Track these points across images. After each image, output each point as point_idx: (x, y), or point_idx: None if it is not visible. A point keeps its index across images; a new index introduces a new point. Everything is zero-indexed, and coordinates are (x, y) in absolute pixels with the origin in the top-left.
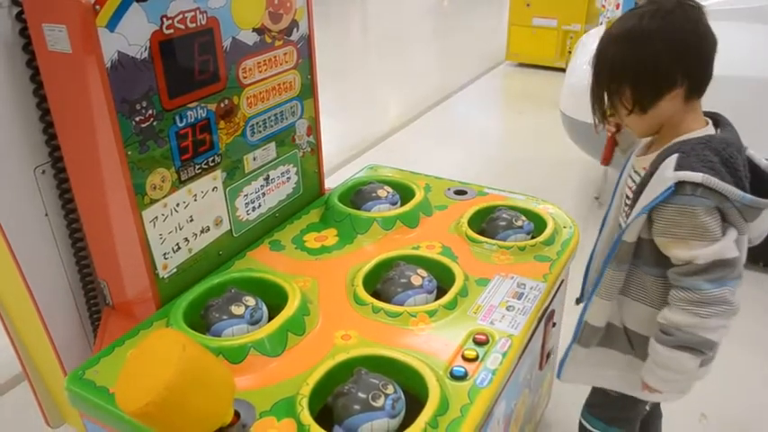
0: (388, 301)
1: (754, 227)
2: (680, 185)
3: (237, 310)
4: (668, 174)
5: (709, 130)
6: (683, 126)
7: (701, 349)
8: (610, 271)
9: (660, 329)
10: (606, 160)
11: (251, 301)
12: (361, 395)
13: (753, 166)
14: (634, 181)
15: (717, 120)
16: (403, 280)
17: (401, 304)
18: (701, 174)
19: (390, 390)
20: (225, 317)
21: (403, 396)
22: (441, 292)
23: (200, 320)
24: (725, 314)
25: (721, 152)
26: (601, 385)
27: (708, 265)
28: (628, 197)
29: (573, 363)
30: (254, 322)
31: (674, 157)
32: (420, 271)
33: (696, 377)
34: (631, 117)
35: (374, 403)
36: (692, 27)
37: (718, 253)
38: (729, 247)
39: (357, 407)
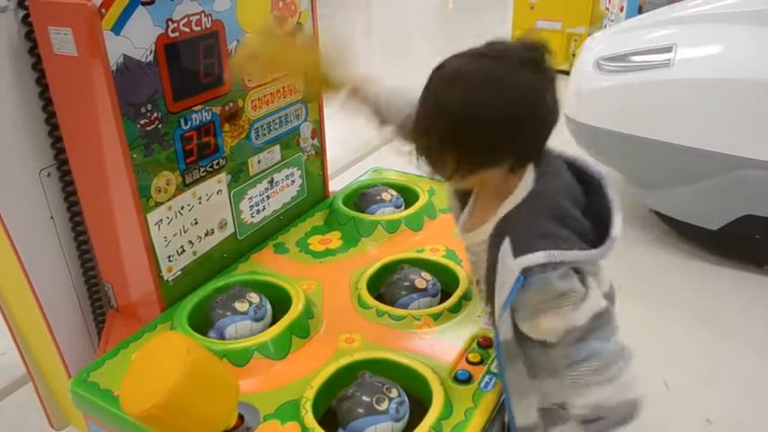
0: (392, 304)
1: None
2: (527, 270)
3: (241, 306)
4: (510, 264)
5: (527, 180)
6: (503, 189)
7: (633, 415)
8: (509, 373)
9: (585, 421)
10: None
11: (255, 297)
12: (366, 398)
13: (581, 175)
14: (476, 265)
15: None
16: (407, 283)
17: (405, 307)
18: (541, 253)
19: (394, 393)
20: (229, 313)
21: (407, 399)
22: (445, 295)
23: (204, 318)
24: (629, 363)
25: (549, 209)
26: None
27: (589, 322)
28: (478, 282)
29: None
30: (258, 319)
31: (507, 243)
32: (424, 274)
33: None
34: (449, 178)
35: (378, 407)
36: (535, 97)
37: (591, 308)
38: (597, 296)
39: (361, 410)
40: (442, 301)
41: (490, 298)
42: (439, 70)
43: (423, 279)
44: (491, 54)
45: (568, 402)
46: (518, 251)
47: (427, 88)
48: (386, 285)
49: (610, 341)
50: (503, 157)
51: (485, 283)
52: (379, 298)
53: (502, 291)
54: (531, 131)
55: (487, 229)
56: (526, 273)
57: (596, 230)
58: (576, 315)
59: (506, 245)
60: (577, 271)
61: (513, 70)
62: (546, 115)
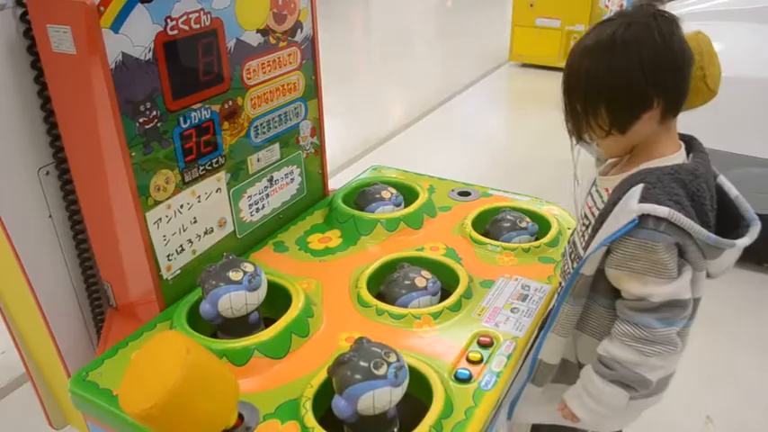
0: (392, 302)
1: (714, 264)
2: (643, 219)
3: (235, 275)
4: (632, 205)
5: (680, 156)
6: (655, 149)
7: (635, 387)
8: (566, 306)
9: (600, 361)
10: None
11: (249, 267)
12: (363, 363)
13: (721, 195)
14: (594, 201)
15: (690, 144)
16: (407, 282)
17: (405, 306)
18: (666, 208)
19: (393, 358)
20: (222, 283)
21: (406, 365)
22: (445, 293)
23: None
24: (667, 354)
25: (688, 185)
26: (553, 422)
27: (661, 304)
28: (587, 218)
29: (525, 403)
30: (253, 289)
31: (639, 187)
32: (424, 273)
33: (619, 413)
34: (607, 139)
35: (376, 371)
36: (668, 41)
37: (673, 293)
38: (684, 287)
39: (358, 375)
40: (441, 300)
41: (594, 231)
42: (576, 45)
43: (423, 278)
44: (617, 16)
45: (602, 344)
46: (645, 198)
47: (569, 61)
48: (386, 284)
49: (669, 327)
50: (649, 101)
51: (595, 219)
52: (379, 297)
53: (609, 227)
54: (670, 68)
55: (625, 175)
56: (642, 219)
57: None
58: (656, 290)
59: (636, 189)
60: (681, 254)
61: (645, 20)
62: (679, 52)
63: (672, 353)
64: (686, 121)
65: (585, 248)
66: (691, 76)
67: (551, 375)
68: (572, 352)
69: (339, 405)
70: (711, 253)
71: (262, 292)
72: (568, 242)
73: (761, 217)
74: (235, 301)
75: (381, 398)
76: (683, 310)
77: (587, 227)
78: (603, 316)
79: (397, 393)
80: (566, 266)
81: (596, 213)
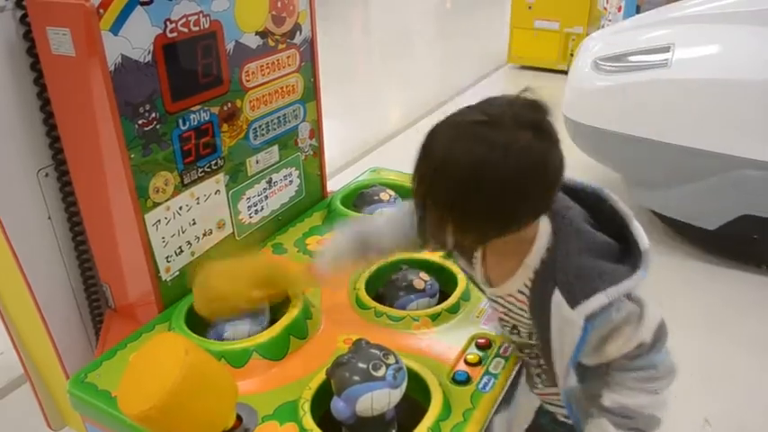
0: (390, 304)
1: None
2: (590, 317)
3: (379, 371)
4: (568, 315)
5: (544, 230)
6: (524, 239)
7: (651, 429)
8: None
9: (612, 413)
10: None
11: (391, 359)
12: (362, 365)
13: (570, 189)
14: (508, 308)
15: None
16: (405, 284)
17: (403, 308)
18: (601, 295)
19: (392, 360)
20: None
21: (404, 366)
22: (443, 295)
23: (203, 319)
24: (670, 383)
25: (581, 245)
26: None
27: (654, 335)
28: (505, 321)
29: None
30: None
31: (558, 294)
32: (422, 275)
33: None
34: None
35: (375, 373)
36: (546, 163)
37: (652, 321)
38: (653, 308)
39: (357, 377)
40: (440, 302)
41: (546, 354)
42: (432, 144)
43: (421, 279)
44: (488, 120)
45: (602, 394)
46: (574, 300)
47: (424, 164)
48: (384, 286)
49: (666, 354)
50: (516, 222)
51: (538, 340)
52: (378, 298)
53: (563, 344)
54: (541, 193)
55: (518, 281)
56: (589, 319)
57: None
58: (642, 333)
59: (558, 297)
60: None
61: (513, 136)
62: (553, 177)
63: (672, 379)
64: (687, 123)
65: (531, 339)
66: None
67: None
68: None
69: (338, 406)
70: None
71: (265, 323)
72: (506, 326)
73: (760, 219)
74: (239, 333)
75: (380, 399)
76: (666, 329)
77: (514, 327)
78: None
79: (396, 395)
80: (514, 339)
81: (515, 317)
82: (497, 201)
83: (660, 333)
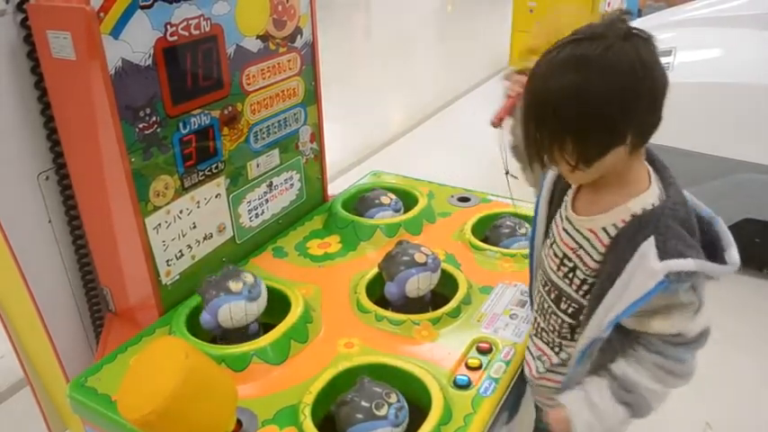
0: (390, 279)
1: None
2: (672, 275)
3: (235, 286)
4: (653, 265)
5: (655, 185)
6: (632, 182)
7: (639, 413)
8: (578, 369)
9: (617, 380)
10: (498, 121)
11: (249, 277)
12: (365, 404)
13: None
14: (579, 243)
15: (652, 161)
16: (406, 258)
17: (404, 282)
18: (691, 260)
19: (393, 399)
20: (222, 293)
21: (406, 405)
22: (444, 300)
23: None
24: (681, 385)
25: (685, 222)
26: None
27: (697, 335)
28: (569, 259)
29: None
30: (253, 299)
31: (651, 242)
32: (424, 249)
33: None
34: (574, 172)
35: (377, 412)
36: (647, 68)
37: (703, 322)
38: (708, 315)
39: (360, 416)
40: (440, 304)
41: (591, 307)
42: (541, 63)
43: (422, 253)
44: (589, 36)
45: (616, 360)
46: (665, 253)
47: (532, 82)
48: (385, 260)
49: (695, 358)
50: (622, 136)
51: (589, 273)
52: (377, 279)
53: (622, 297)
54: (647, 98)
55: (613, 218)
56: (669, 277)
57: None
58: (689, 325)
59: (647, 246)
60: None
61: (620, 42)
62: (656, 79)
63: (684, 384)
64: (688, 127)
65: (578, 292)
66: (663, 104)
67: None
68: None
69: None
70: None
71: (261, 302)
72: (543, 280)
73: (762, 222)
74: (234, 311)
75: None
76: (706, 337)
77: (571, 270)
78: (612, 345)
79: None
80: (545, 306)
81: (582, 256)
82: (605, 105)
83: (701, 337)
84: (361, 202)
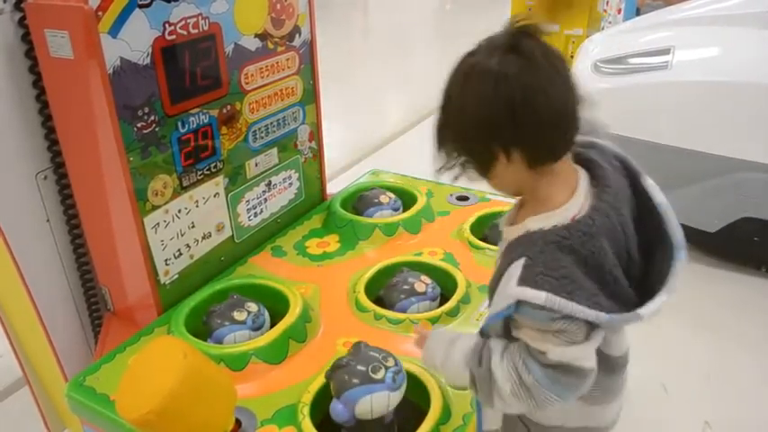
0: (390, 307)
1: (614, 340)
2: (521, 303)
3: (240, 316)
4: (511, 288)
5: (574, 204)
6: (541, 197)
7: (478, 394)
8: None
9: (480, 349)
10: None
11: (253, 307)
12: (361, 367)
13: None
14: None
15: (591, 169)
16: (406, 287)
17: (404, 311)
18: (543, 294)
19: (391, 362)
20: (227, 323)
21: (404, 370)
22: (443, 298)
23: (202, 327)
24: (535, 410)
25: (579, 249)
26: None
27: (560, 364)
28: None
29: None
30: (257, 328)
31: (520, 263)
32: (423, 278)
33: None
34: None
35: (374, 375)
36: (506, 81)
37: (570, 357)
38: (588, 355)
39: (356, 379)
40: (440, 305)
41: (490, 297)
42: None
43: (422, 282)
44: (475, 50)
45: (496, 342)
46: (524, 279)
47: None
48: (385, 289)
49: (559, 394)
50: (492, 152)
51: (490, 281)
52: (378, 301)
53: (496, 302)
54: (530, 117)
55: (515, 231)
56: (519, 305)
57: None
58: (551, 348)
59: (517, 266)
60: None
61: (483, 59)
62: (544, 99)
63: (529, 407)
64: (687, 126)
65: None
66: (566, 121)
67: None
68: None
69: (336, 409)
70: (610, 327)
71: (265, 331)
72: None
73: (760, 221)
74: (239, 340)
75: (379, 402)
76: (579, 380)
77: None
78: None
79: (395, 398)
80: None
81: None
82: (466, 119)
83: (565, 372)
84: (359, 201)
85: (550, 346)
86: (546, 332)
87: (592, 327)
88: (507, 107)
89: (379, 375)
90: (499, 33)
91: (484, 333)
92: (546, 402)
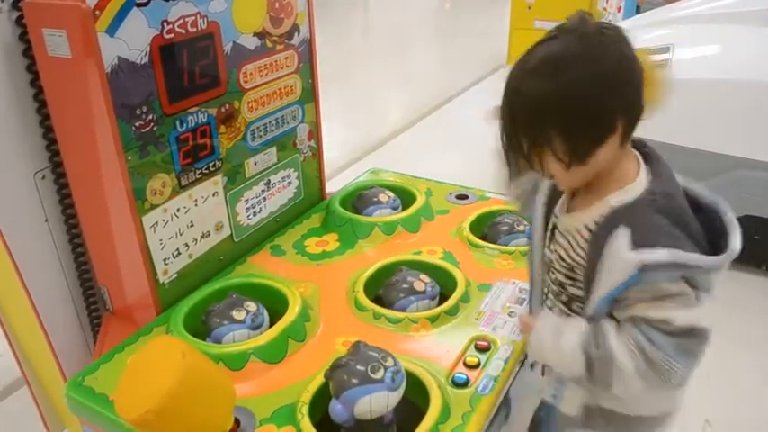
0: (390, 306)
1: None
2: (644, 267)
3: (239, 315)
4: (625, 256)
5: (643, 176)
6: (617, 175)
7: (596, 380)
8: None
9: (594, 333)
10: None
11: (252, 306)
12: (360, 367)
13: (691, 200)
14: (570, 244)
15: (645, 153)
16: (405, 286)
17: (403, 310)
18: (665, 250)
19: (390, 362)
20: (226, 322)
21: (403, 369)
22: (442, 297)
23: (201, 326)
24: (657, 388)
25: (669, 212)
26: None
27: (685, 330)
28: (563, 260)
29: None
30: (256, 327)
31: (625, 233)
32: (423, 276)
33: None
34: (567, 172)
35: (373, 375)
36: (623, 56)
37: (694, 319)
38: (703, 315)
39: (355, 379)
40: (439, 304)
41: (587, 284)
42: (514, 71)
43: (421, 281)
44: (562, 32)
45: (606, 323)
46: (637, 244)
47: (508, 92)
48: (384, 287)
49: (687, 366)
50: (612, 123)
51: (583, 270)
52: (377, 300)
53: (606, 280)
54: (629, 84)
55: (593, 213)
56: (642, 269)
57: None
58: (676, 313)
59: (621, 234)
60: (692, 284)
61: (592, 32)
62: (633, 66)
63: (664, 388)
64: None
65: (585, 291)
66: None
67: (573, 427)
68: (590, 396)
69: (336, 409)
70: (715, 274)
71: (264, 330)
72: (553, 282)
73: (760, 219)
74: (238, 339)
75: (378, 402)
76: (703, 344)
77: (570, 270)
78: None
79: (394, 397)
80: (552, 306)
81: (573, 256)
82: (591, 96)
83: (689, 334)
84: (359, 199)
85: (673, 313)
86: (664, 299)
87: (695, 290)
88: (608, 82)
89: (379, 375)
90: (562, 25)
91: (593, 318)
92: (672, 375)
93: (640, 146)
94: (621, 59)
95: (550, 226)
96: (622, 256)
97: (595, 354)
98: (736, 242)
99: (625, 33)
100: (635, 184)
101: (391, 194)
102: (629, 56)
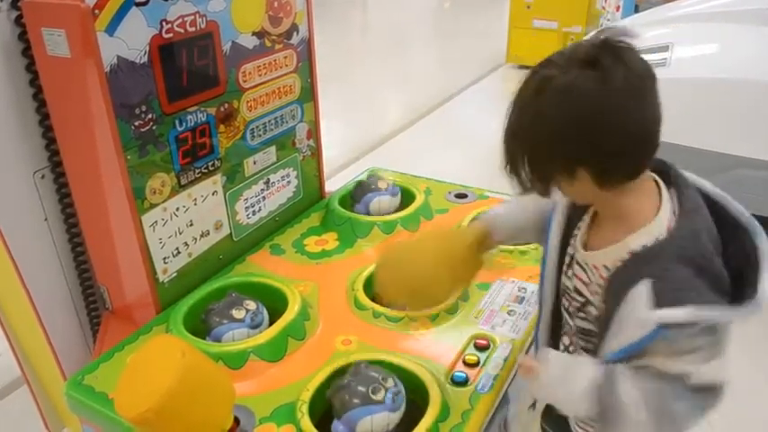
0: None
1: None
2: (665, 325)
3: (238, 314)
4: (644, 314)
5: (664, 214)
6: (626, 212)
7: (607, 426)
8: None
9: (606, 378)
10: None
11: (252, 305)
12: (361, 388)
13: (719, 210)
14: (589, 276)
15: (666, 176)
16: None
17: (403, 308)
18: (687, 309)
19: (390, 383)
20: (225, 321)
21: (403, 390)
22: None
23: (201, 325)
24: None
25: (694, 258)
26: None
27: (704, 386)
28: (581, 293)
29: None
30: (255, 326)
31: (646, 287)
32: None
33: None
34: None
35: (374, 396)
36: (616, 98)
37: (713, 373)
38: (726, 367)
39: (356, 400)
40: None
41: (601, 325)
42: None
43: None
44: (544, 61)
45: (621, 367)
46: (659, 301)
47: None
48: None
49: (697, 418)
50: (568, 167)
51: (596, 310)
52: (376, 299)
53: (623, 333)
54: (597, 138)
55: (611, 255)
56: (663, 327)
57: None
58: (694, 367)
59: (642, 292)
60: (713, 330)
61: (566, 73)
62: (616, 121)
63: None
64: (687, 123)
65: (598, 329)
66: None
67: None
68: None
69: (338, 430)
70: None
71: (264, 329)
72: (566, 310)
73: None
74: (237, 338)
75: (379, 423)
76: (717, 399)
77: (584, 305)
78: None
79: (395, 418)
80: (576, 342)
81: (590, 297)
82: (552, 133)
83: (707, 392)
84: (357, 188)
85: (692, 367)
86: (684, 353)
87: (718, 334)
88: (574, 125)
89: (379, 396)
90: (581, 45)
91: (608, 361)
92: (684, 425)
93: (662, 168)
94: (608, 103)
95: (569, 253)
96: (642, 314)
97: (608, 401)
98: (765, 288)
99: (648, 75)
100: (654, 224)
101: (390, 181)
102: (624, 100)
